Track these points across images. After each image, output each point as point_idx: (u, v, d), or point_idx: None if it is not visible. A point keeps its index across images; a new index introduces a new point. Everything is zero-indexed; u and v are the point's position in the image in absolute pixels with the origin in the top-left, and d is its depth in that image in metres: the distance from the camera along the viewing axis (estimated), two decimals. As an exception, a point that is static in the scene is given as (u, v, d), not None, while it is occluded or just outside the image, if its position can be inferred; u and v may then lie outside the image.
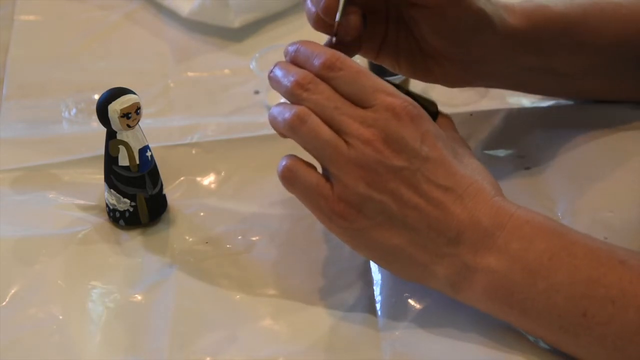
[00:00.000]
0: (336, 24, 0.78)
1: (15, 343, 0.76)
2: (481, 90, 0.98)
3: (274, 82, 0.76)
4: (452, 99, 0.99)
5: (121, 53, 1.09)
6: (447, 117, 0.81)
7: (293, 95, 0.74)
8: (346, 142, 0.72)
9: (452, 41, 0.82)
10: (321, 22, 0.79)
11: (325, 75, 0.73)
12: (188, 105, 1.01)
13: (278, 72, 0.76)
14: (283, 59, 0.77)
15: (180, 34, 1.11)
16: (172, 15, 1.12)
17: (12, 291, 0.80)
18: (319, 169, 0.75)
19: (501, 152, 0.92)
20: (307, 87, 0.73)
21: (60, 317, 0.78)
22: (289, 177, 0.74)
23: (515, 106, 0.97)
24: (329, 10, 0.78)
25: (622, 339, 0.69)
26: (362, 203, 0.73)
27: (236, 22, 1.09)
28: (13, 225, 0.86)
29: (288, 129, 0.74)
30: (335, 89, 0.73)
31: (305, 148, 0.74)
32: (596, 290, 0.69)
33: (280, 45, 1.00)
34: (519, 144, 0.93)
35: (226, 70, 1.06)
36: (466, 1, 0.80)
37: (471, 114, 0.96)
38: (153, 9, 1.14)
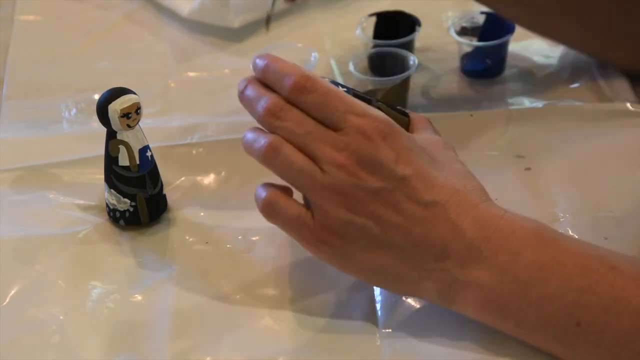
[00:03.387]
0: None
1: (15, 343, 0.76)
2: (480, 89, 0.98)
3: (245, 103, 0.76)
4: (452, 99, 1.00)
5: (121, 53, 1.09)
6: (422, 119, 0.80)
7: (265, 123, 0.74)
8: (321, 168, 0.72)
9: None
10: None
11: (295, 98, 0.73)
12: (188, 105, 1.01)
13: (250, 94, 0.75)
14: (283, 58, 0.77)
15: (180, 34, 1.11)
16: (172, 15, 1.12)
17: (13, 291, 0.80)
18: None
19: (501, 153, 0.92)
20: (278, 114, 0.73)
21: (60, 317, 0.78)
22: (270, 211, 0.74)
23: (516, 106, 0.97)
24: None
25: (618, 346, 0.68)
26: (345, 228, 0.72)
27: (236, 22, 1.09)
28: (13, 225, 0.86)
29: (262, 160, 0.73)
30: (307, 112, 0.73)
31: (281, 177, 0.74)
32: (589, 299, 0.69)
33: (280, 46, 1.01)
34: (519, 144, 0.93)
35: (226, 70, 1.06)
36: None
37: (471, 114, 0.96)
38: (153, 9, 1.14)
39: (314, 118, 0.73)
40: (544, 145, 0.92)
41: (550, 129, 0.94)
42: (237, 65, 1.06)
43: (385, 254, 0.73)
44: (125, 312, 0.79)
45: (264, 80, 0.75)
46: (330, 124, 0.73)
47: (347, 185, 0.72)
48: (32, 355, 0.75)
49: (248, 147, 0.75)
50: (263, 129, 0.75)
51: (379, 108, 0.77)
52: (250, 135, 0.75)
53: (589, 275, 0.70)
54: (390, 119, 0.73)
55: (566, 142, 0.92)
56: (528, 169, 0.90)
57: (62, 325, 0.77)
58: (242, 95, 0.76)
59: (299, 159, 0.72)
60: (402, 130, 0.74)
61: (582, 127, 0.93)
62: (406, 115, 0.80)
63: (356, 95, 0.76)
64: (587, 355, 0.70)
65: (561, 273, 0.70)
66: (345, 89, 0.76)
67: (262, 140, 0.73)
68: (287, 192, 0.75)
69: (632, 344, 0.68)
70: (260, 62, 0.76)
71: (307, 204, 0.74)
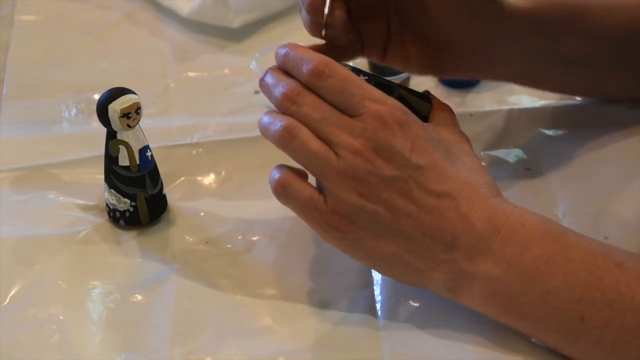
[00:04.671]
0: (325, 16, 0.77)
1: (15, 343, 0.76)
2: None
3: (264, 89, 0.76)
4: (451, 99, 0.99)
5: (121, 53, 1.09)
6: (445, 108, 0.80)
7: (282, 108, 0.74)
8: (336, 153, 0.72)
9: (459, 25, 0.81)
10: (315, 27, 0.79)
11: (314, 83, 0.73)
12: (188, 105, 1.01)
13: (269, 80, 0.75)
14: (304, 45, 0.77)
15: (180, 34, 1.11)
16: (172, 15, 1.12)
17: (13, 291, 0.80)
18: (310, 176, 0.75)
19: (501, 153, 0.92)
20: (295, 99, 0.73)
21: (61, 317, 0.78)
22: (282, 192, 0.74)
23: (515, 106, 0.97)
24: (314, 7, 0.77)
25: (621, 342, 0.69)
26: (356, 214, 0.73)
27: (236, 22, 1.09)
28: (13, 225, 0.86)
29: (278, 143, 0.74)
30: (324, 98, 0.73)
31: (296, 161, 0.74)
32: (593, 294, 0.69)
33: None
34: (519, 144, 0.93)
35: (226, 70, 1.06)
36: None
37: (471, 114, 0.96)
38: (153, 9, 1.14)
39: (331, 104, 0.73)
40: (544, 145, 0.92)
41: (551, 129, 0.94)
42: (237, 65, 1.06)
43: (395, 242, 0.73)
44: (125, 312, 0.79)
45: (284, 67, 0.76)
46: (347, 110, 0.73)
47: (361, 171, 0.72)
48: (32, 355, 0.75)
49: (264, 131, 0.75)
50: (279, 112, 0.75)
51: (400, 95, 0.77)
52: (266, 119, 0.75)
53: (594, 270, 0.70)
54: (406, 109, 0.73)
55: (566, 142, 0.92)
56: (528, 169, 0.90)
57: (62, 325, 0.77)
58: (261, 82, 0.76)
59: (314, 143, 0.73)
60: (418, 120, 0.74)
61: (583, 127, 0.93)
62: (429, 100, 0.80)
63: (377, 82, 0.76)
64: (589, 351, 0.70)
65: (567, 268, 0.70)
66: (366, 77, 0.76)
67: (278, 124, 0.73)
68: (301, 175, 0.75)
69: (634, 340, 0.69)
70: (281, 51, 0.76)
71: (321, 189, 0.74)
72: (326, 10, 0.77)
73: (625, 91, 0.93)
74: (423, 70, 0.84)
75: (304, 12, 0.79)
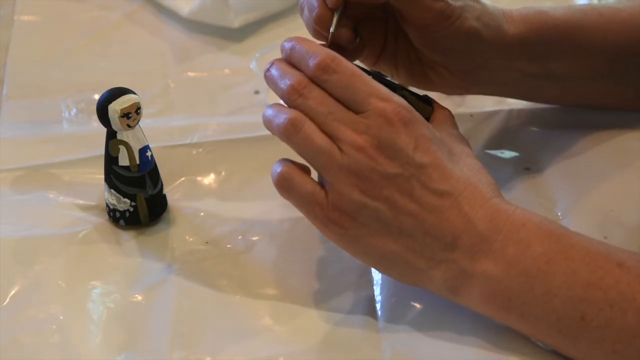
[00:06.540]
0: (330, 35, 0.78)
1: (15, 343, 0.76)
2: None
3: (269, 81, 0.76)
4: (452, 97, 0.99)
5: (121, 53, 1.09)
6: (445, 112, 0.80)
7: (288, 100, 0.74)
8: (340, 149, 0.72)
9: (444, 54, 0.82)
10: (318, 36, 0.79)
11: (320, 77, 0.73)
12: (188, 105, 1.01)
13: (274, 72, 0.75)
14: (310, 39, 0.77)
15: (180, 34, 1.11)
16: (172, 15, 1.12)
17: (12, 291, 0.80)
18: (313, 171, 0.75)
19: (501, 153, 0.92)
20: (302, 92, 0.73)
21: (61, 317, 0.78)
22: (284, 186, 0.74)
23: (515, 106, 0.97)
24: (322, 20, 0.78)
25: (621, 342, 0.69)
26: (357, 210, 0.73)
27: (236, 22, 1.09)
28: (13, 225, 0.86)
29: (282, 135, 0.73)
30: (330, 92, 0.73)
31: (299, 154, 0.74)
32: (594, 294, 0.69)
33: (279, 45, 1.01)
34: (519, 144, 0.93)
35: (226, 70, 1.06)
36: (454, 24, 0.79)
37: (471, 114, 0.96)
38: (153, 9, 1.14)
39: (336, 99, 0.73)
40: (544, 145, 0.92)
41: (550, 129, 0.94)
42: (237, 65, 1.06)
43: (395, 240, 0.73)
44: (125, 312, 0.79)
45: (290, 60, 0.75)
46: (352, 106, 0.73)
47: (364, 168, 0.72)
48: (32, 355, 0.75)
49: (268, 123, 0.75)
50: (284, 105, 0.75)
51: (402, 95, 0.77)
52: (270, 111, 0.75)
53: (595, 270, 0.70)
54: (411, 107, 0.74)
55: (566, 142, 0.92)
56: (527, 168, 0.90)
57: (62, 325, 0.77)
58: (266, 74, 0.76)
59: (319, 137, 0.73)
60: (422, 119, 0.74)
61: (582, 128, 0.93)
62: (430, 103, 0.80)
63: (381, 80, 0.76)
64: (589, 351, 0.70)
65: (568, 267, 0.70)
66: (370, 76, 0.76)
67: (283, 116, 0.73)
68: (303, 169, 0.75)
69: (635, 340, 0.69)
70: (287, 44, 0.76)
71: (323, 184, 0.74)
72: (332, 29, 0.78)
73: (622, 104, 0.93)
74: (411, 83, 0.84)
75: (307, 17, 0.79)
